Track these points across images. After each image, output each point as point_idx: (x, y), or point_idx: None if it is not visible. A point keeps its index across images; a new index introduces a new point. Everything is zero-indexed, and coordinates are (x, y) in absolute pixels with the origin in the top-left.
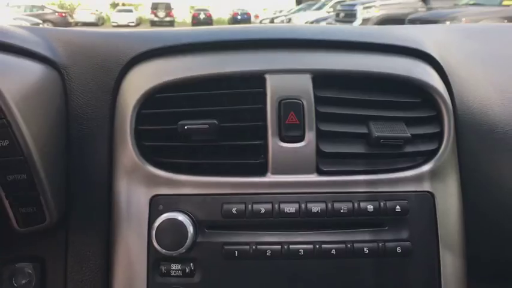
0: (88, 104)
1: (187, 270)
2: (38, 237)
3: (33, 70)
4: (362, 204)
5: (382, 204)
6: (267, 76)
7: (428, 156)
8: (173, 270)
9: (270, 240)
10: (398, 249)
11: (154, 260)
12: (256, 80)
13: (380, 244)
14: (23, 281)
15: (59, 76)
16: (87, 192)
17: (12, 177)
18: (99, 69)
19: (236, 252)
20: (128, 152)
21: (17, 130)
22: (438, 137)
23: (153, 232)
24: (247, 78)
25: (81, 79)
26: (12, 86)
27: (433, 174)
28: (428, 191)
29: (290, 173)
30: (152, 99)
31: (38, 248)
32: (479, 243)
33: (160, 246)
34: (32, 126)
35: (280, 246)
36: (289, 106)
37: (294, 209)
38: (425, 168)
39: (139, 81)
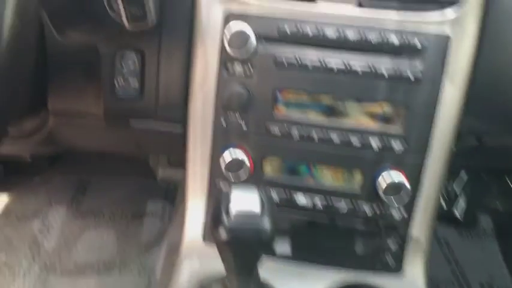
0: None
1: (247, 72)
2: (140, 35)
3: None
4: (390, 36)
5: (405, 38)
6: None
7: (453, 4)
8: (237, 69)
9: (312, 56)
10: (412, 78)
11: (224, 60)
12: None
13: (397, 70)
14: (130, 62)
15: None
16: (176, 7)
17: None
18: None
19: (285, 62)
20: None
21: None
22: None
23: (226, 37)
24: None
25: None
26: None
27: (454, 21)
28: (446, 35)
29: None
30: None
31: (140, 43)
32: (482, 87)
33: (230, 47)
34: None
35: (320, 63)
36: None
37: (333, 32)
38: (449, 14)
39: None
